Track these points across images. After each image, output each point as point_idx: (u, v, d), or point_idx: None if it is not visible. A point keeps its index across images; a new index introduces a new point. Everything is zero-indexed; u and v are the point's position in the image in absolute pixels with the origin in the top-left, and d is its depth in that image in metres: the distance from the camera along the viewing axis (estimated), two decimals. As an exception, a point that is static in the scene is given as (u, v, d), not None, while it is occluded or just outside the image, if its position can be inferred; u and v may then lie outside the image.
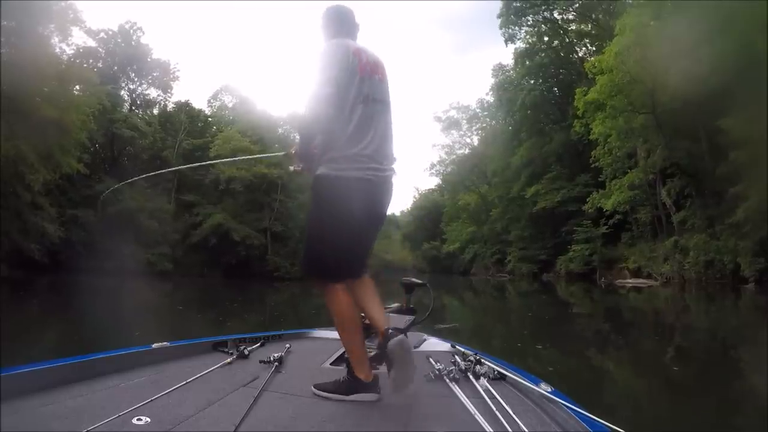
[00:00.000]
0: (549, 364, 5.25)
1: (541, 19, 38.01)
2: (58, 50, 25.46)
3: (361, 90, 1.89)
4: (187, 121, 39.98)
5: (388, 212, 2.15)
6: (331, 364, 2.48)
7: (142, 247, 30.06)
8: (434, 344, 3.07)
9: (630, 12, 22.59)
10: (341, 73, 1.84)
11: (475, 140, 54.65)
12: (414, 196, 75.17)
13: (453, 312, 12.65)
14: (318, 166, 1.92)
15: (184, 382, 1.90)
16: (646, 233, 28.38)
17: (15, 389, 1.61)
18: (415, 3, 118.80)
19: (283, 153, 2.54)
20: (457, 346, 2.81)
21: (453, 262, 55.01)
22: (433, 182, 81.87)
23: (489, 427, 1.51)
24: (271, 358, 2.30)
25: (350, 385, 1.86)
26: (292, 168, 2.22)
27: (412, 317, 3.01)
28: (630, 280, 25.74)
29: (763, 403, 3.79)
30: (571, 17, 37.80)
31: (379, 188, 1.95)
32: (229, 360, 2.34)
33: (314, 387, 1.91)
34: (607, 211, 27.93)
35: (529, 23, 38.56)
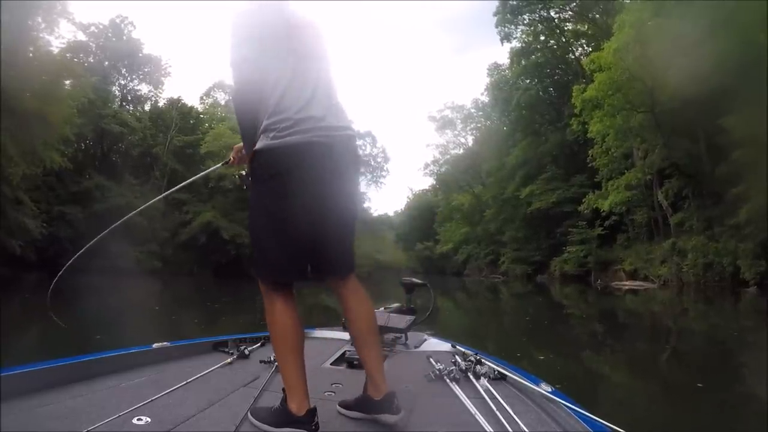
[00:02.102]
0: (550, 370, 5.07)
1: (537, 18, 37.84)
2: (45, 43, 24.93)
3: (290, 44, 1.59)
4: (178, 118, 39.56)
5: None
6: (331, 364, 2.51)
7: (130, 244, 29.54)
8: (434, 344, 3.08)
9: (629, 8, 22.27)
10: (262, 30, 1.57)
11: (470, 140, 54.68)
12: (407, 197, 75.31)
13: (449, 315, 12.21)
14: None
15: (185, 382, 1.91)
16: (641, 235, 28.25)
17: (15, 389, 1.61)
18: (414, 3, 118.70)
19: (222, 163, 2.30)
20: (457, 346, 2.82)
21: (446, 263, 54.97)
22: (426, 182, 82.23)
23: (489, 427, 1.52)
24: (272, 358, 2.29)
25: (280, 416, 1.54)
26: (246, 187, 1.76)
27: (412, 317, 3.07)
28: (626, 283, 25.39)
29: (763, 406, 3.80)
30: (567, 16, 37.69)
31: (336, 153, 1.55)
32: (229, 360, 2.35)
33: (250, 413, 1.61)
34: (603, 212, 27.75)
35: (525, 22, 38.42)
